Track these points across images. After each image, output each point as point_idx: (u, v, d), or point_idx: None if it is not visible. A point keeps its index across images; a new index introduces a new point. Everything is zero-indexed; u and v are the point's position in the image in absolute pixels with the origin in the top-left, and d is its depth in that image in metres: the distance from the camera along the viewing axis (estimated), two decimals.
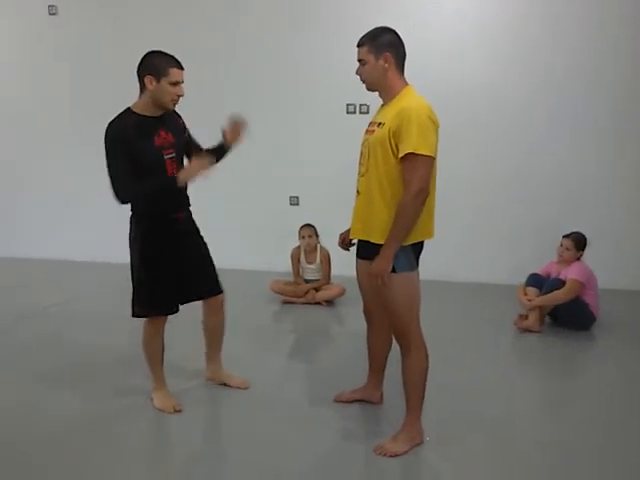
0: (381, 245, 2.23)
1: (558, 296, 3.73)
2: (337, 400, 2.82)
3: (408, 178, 2.15)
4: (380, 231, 2.25)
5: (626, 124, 4.52)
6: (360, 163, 2.39)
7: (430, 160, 2.15)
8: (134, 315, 2.62)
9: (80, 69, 5.26)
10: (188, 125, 2.70)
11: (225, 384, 2.96)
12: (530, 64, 4.55)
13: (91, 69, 5.22)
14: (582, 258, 3.88)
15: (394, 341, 2.50)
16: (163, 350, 2.75)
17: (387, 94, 2.30)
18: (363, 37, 2.29)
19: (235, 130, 2.66)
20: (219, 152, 2.68)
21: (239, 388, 2.92)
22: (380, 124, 2.25)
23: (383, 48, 2.24)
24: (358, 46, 2.29)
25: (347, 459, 2.38)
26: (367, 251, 2.33)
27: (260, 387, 2.95)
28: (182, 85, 2.46)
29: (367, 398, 2.80)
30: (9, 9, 5.27)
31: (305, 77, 4.79)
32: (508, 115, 4.66)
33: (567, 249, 3.86)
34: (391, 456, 2.36)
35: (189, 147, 2.67)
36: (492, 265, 4.87)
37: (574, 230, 3.93)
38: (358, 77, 2.35)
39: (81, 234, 5.52)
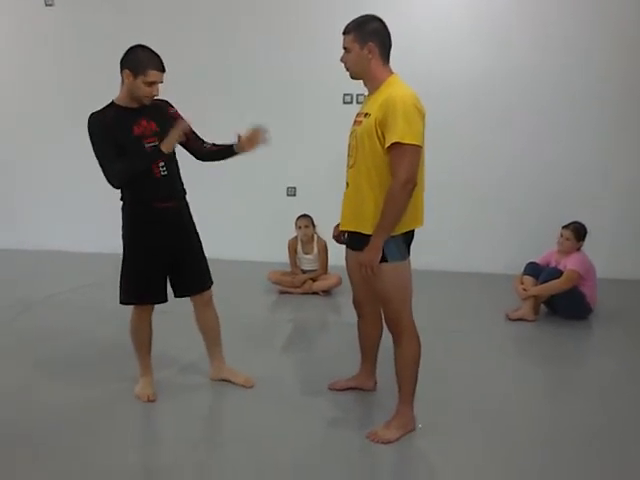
0: (371, 236, 2.21)
1: (555, 286, 3.70)
2: (331, 388, 2.81)
3: (395, 168, 2.13)
4: (370, 222, 2.24)
5: (622, 117, 4.52)
6: (349, 155, 2.36)
7: (417, 149, 2.13)
8: (120, 302, 2.63)
9: (78, 61, 5.25)
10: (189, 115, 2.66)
11: (230, 381, 2.86)
12: (530, 56, 4.54)
13: (89, 61, 5.20)
14: (582, 248, 3.86)
15: (385, 329, 2.49)
16: (150, 339, 2.74)
17: (372, 83, 2.28)
18: (349, 24, 2.26)
19: (254, 139, 2.61)
20: (226, 152, 2.66)
21: (244, 386, 2.82)
22: (367, 114, 2.22)
23: (368, 37, 2.21)
24: (344, 33, 2.27)
25: (340, 446, 2.38)
26: (357, 242, 2.31)
27: (256, 377, 2.92)
28: (157, 86, 2.44)
29: (361, 386, 2.80)
30: (5, 0, 5.26)
31: (302, 67, 4.77)
32: (508, 107, 4.66)
33: (567, 239, 3.83)
34: (383, 443, 2.35)
35: (185, 137, 2.62)
36: (491, 255, 4.87)
37: (573, 220, 3.91)
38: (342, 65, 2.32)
39: (83, 226, 5.52)
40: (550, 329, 3.68)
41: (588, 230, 3.86)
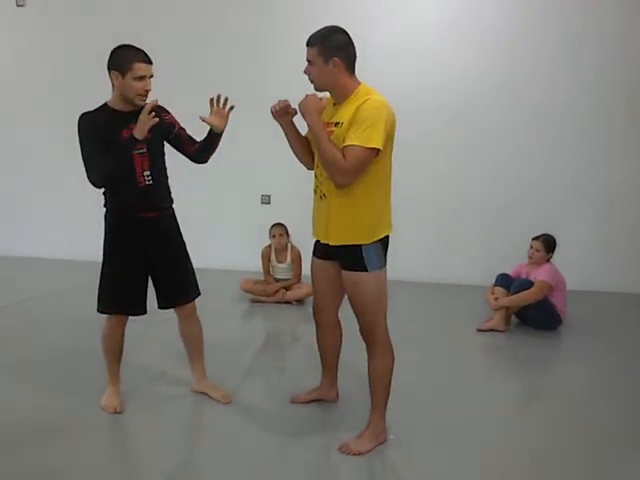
0: (364, 245, 2.22)
1: (526, 297, 3.75)
2: (294, 401, 2.78)
3: (351, 161, 2.11)
4: (367, 229, 2.24)
5: (595, 134, 4.63)
6: (317, 165, 2.33)
7: (372, 152, 2.11)
8: (98, 310, 2.58)
9: (50, 62, 5.15)
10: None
11: (208, 395, 2.80)
12: (511, 66, 4.61)
13: (61, 62, 5.11)
14: (552, 260, 3.91)
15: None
16: (122, 347, 2.68)
17: (339, 94, 2.25)
18: (313, 37, 2.22)
19: (218, 113, 2.52)
20: (211, 140, 2.57)
21: (219, 402, 2.76)
22: (338, 124, 2.21)
23: (333, 52, 2.17)
24: (307, 45, 2.23)
25: (309, 458, 2.35)
26: (349, 256, 2.27)
27: (224, 387, 2.87)
28: (149, 80, 2.39)
29: (323, 397, 2.77)
30: None
31: (276, 74, 4.76)
32: (487, 122, 4.72)
33: (537, 250, 3.89)
34: (355, 454, 2.33)
35: (181, 143, 2.60)
36: (466, 266, 4.91)
37: (544, 232, 3.96)
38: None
39: (68, 232, 5.40)
40: (521, 339, 3.72)
41: (557, 243, 3.92)
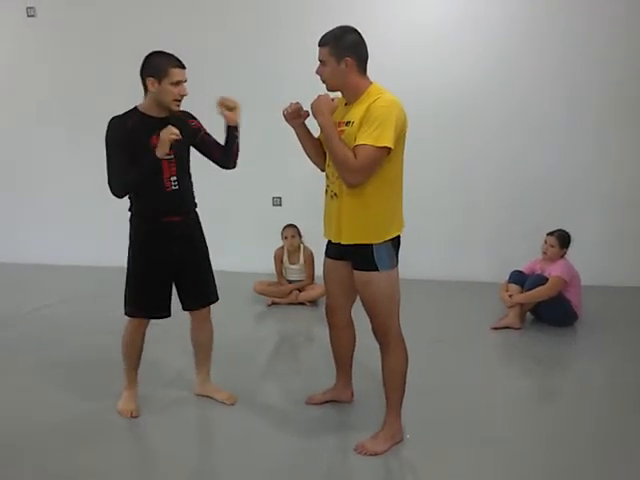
0: (375, 245, 2.22)
1: (540, 293, 3.72)
2: (309, 403, 2.78)
3: (362, 159, 2.12)
4: (379, 228, 2.24)
5: (604, 130, 4.58)
6: (329, 165, 2.34)
7: (383, 151, 2.12)
8: (125, 314, 2.62)
9: (61, 72, 5.19)
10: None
11: (212, 398, 2.83)
12: (519, 68, 4.58)
13: (72, 71, 5.15)
14: (566, 256, 3.88)
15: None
16: (141, 352, 2.70)
17: (352, 94, 2.26)
18: (325, 37, 2.23)
19: (229, 107, 2.59)
20: (230, 137, 2.63)
21: (224, 403, 2.78)
22: (349, 123, 2.21)
23: (345, 52, 2.18)
24: (319, 45, 2.24)
25: (325, 459, 2.36)
26: (360, 256, 2.28)
27: (239, 389, 2.90)
28: (184, 84, 2.43)
29: (338, 398, 2.77)
30: None
31: (289, 76, 4.77)
32: (497, 119, 4.69)
33: (551, 246, 3.86)
34: (371, 455, 2.33)
35: (205, 147, 2.64)
36: (479, 264, 4.88)
37: (558, 228, 3.93)
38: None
39: (78, 238, 5.44)
40: (536, 336, 3.69)
41: (572, 238, 3.89)
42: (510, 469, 2.29)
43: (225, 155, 2.66)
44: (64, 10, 5.09)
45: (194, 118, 2.64)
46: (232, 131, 2.63)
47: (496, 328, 3.79)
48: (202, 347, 2.82)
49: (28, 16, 5.13)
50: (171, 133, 2.35)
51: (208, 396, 2.84)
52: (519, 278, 3.93)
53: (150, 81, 2.38)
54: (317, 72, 2.28)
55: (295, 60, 4.68)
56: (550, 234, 3.90)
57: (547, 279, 3.73)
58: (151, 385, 2.94)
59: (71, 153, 5.26)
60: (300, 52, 4.72)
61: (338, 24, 2.28)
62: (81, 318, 4.02)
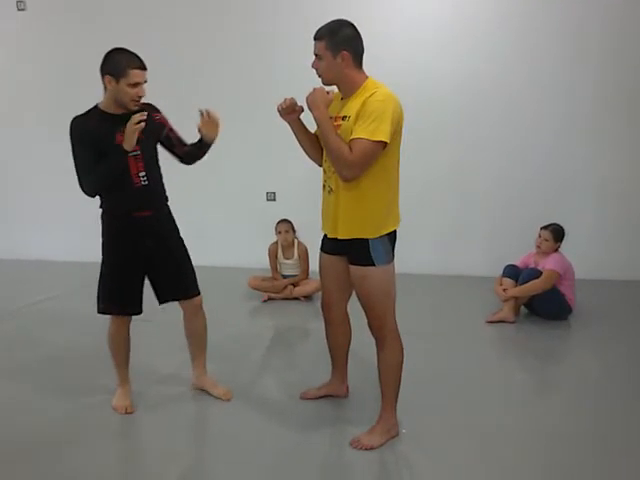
0: (371, 239, 2.22)
1: (534, 286, 3.73)
2: (303, 397, 2.78)
3: (357, 154, 2.11)
4: (376, 222, 2.23)
5: (599, 125, 4.59)
6: (326, 160, 2.33)
7: (379, 145, 2.11)
8: (98, 311, 2.60)
9: (50, 66, 5.16)
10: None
11: (207, 392, 2.81)
12: (515, 65, 4.58)
13: (62, 65, 5.12)
14: (560, 250, 3.89)
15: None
16: (128, 349, 2.69)
17: (348, 88, 2.24)
18: (321, 30, 2.21)
19: (208, 124, 2.58)
20: (200, 146, 2.64)
21: (220, 399, 2.76)
22: (345, 117, 2.20)
23: (341, 45, 2.17)
24: (315, 39, 2.22)
25: (321, 453, 2.35)
26: (357, 250, 2.27)
27: (234, 384, 2.89)
28: (143, 86, 2.38)
29: (333, 392, 2.77)
30: None
31: (281, 71, 4.74)
32: (493, 114, 4.69)
33: (545, 240, 3.86)
34: (367, 449, 2.34)
35: (170, 144, 2.62)
36: (473, 258, 4.90)
37: (552, 222, 3.94)
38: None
39: (67, 234, 5.43)
40: (531, 330, 3.70)
41: (567, 232, 3.89)
42: (506, 462, 2.29)
43: (189, 156, 2.67)
44: (55, 3, 5.04)
45: (158, 111, 2.59)
46: (206, 144, 2.63)
47: (491, 322, 3.80)
48: (195, 339, 2.80)
49: (18, 10, 5.09)
50: (134, 123, 2.32)
51: (204, 390, 2.83)
52: (513, 272, 3.94)
53: (107, 79, 2.34)
54: (313, 66, 2.27)
55: (290, 55, 4.67)
56: (544, 228, 3.91)
57: (541, 272, 3.74)
58: (146, 381, 2.93)
59: (63, 142, 5.21)
60: (294, 48, 4.73)
61: (334, 16, 2.27)
62: (71, 314, 3.99)
